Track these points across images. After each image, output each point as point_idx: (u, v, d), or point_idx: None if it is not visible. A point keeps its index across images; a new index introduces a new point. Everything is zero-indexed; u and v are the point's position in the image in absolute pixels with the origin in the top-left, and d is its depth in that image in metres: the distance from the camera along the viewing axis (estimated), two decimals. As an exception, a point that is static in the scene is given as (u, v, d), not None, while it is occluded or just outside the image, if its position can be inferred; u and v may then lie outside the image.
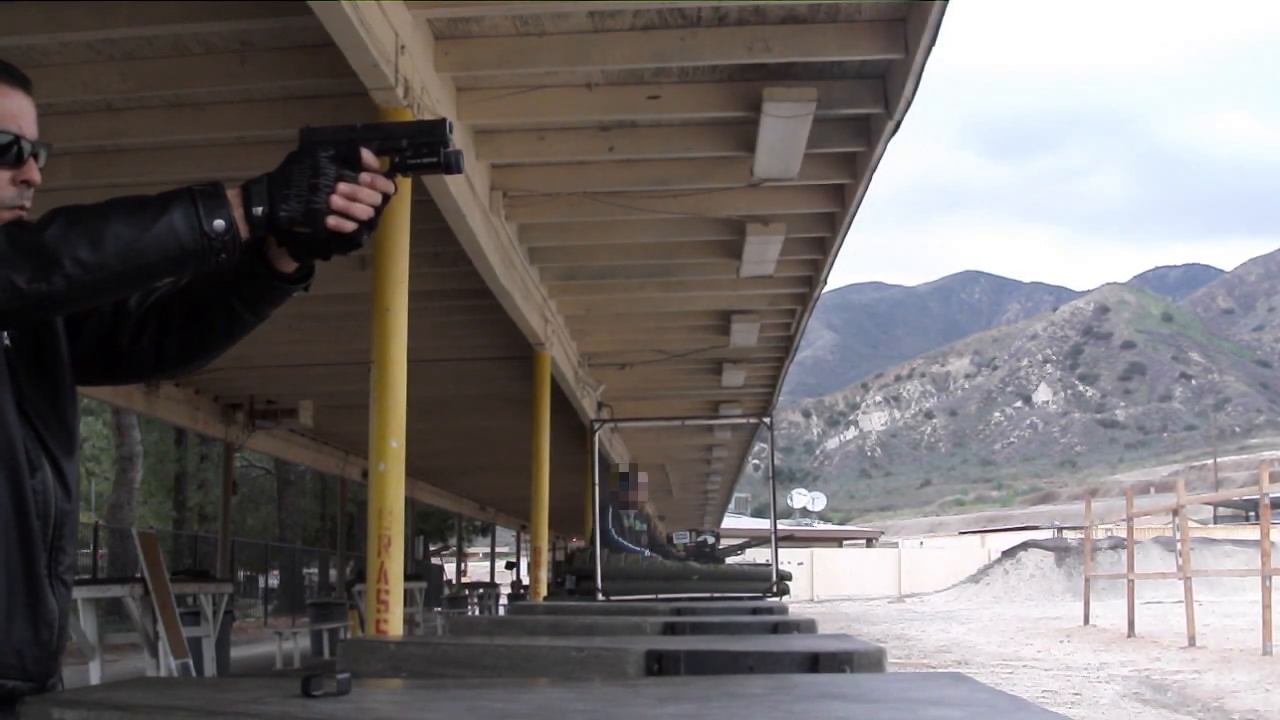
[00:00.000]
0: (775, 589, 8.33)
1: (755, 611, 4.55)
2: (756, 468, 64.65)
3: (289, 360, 11.25)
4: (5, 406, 1.61)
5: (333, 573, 27.35)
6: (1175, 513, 18.05)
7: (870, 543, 66.70)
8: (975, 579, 39.76)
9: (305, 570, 35.41)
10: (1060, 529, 53.47)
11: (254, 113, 5.83)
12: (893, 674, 2.29)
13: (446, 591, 24.55)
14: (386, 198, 1.63)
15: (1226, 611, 22.02)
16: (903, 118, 5.84)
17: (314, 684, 1.52)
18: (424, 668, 2.61)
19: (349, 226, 1.60)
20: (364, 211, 1.60)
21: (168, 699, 1.64)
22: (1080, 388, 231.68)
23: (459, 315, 9.54)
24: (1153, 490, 61.17)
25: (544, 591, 9.33)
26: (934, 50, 5.19)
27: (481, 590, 25.67)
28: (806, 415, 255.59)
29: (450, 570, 33.05)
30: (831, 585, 45.11)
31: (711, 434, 17.13)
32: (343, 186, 1.58)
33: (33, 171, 1.67)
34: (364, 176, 1.60)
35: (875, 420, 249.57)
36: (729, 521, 44.63)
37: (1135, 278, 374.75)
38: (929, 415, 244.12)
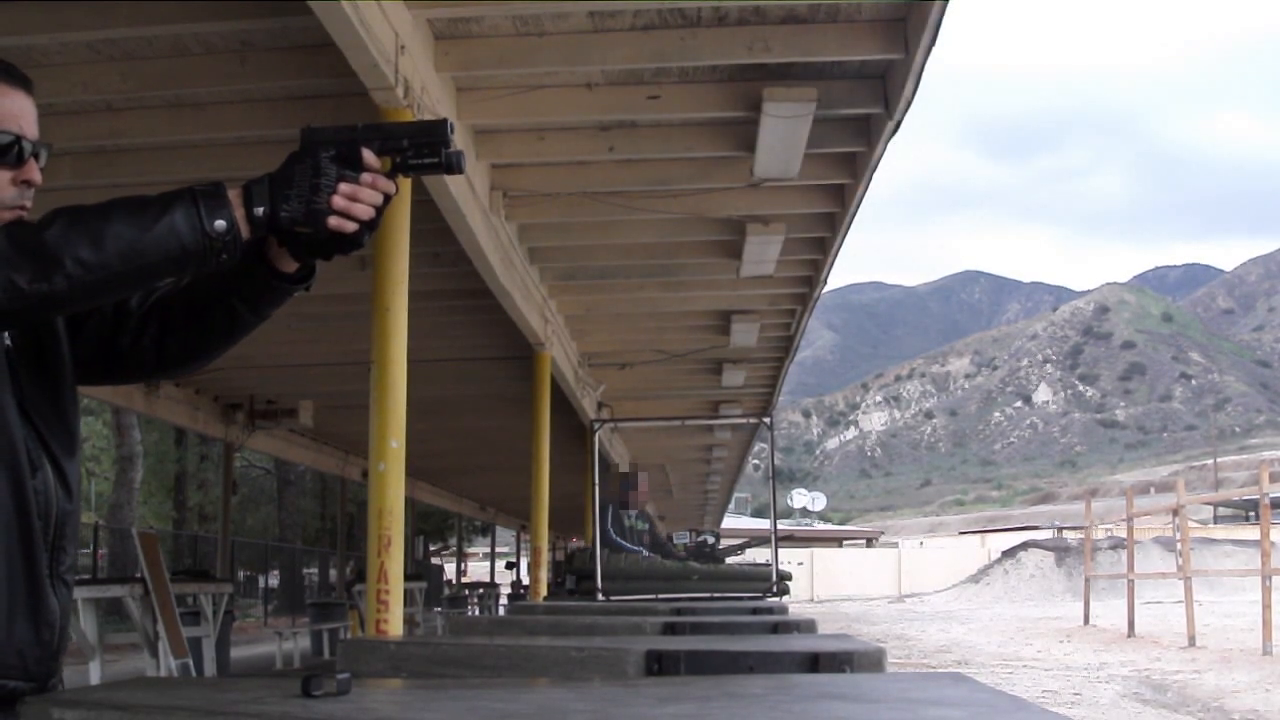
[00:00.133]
0: (775, 589, 8.34)
1: (755, 611, 4.56)
2: (756, 468, 64.66)
3: (289, 360, 11.25)
4: (6, 406, 1.61)
5: (333, 573, 27.35)
6: (1175, 513, 18.05)
7: (870, 543, 66.70)
8: (975, 579, 39.76)
9: (305, 570, 35.41)
10: (1060, 529, 53.46)
11: (254, 113, 5.83)
12: (893, 674, 2.29)
13: (446, 591, 24.55)
14: (388, 198, 1.63)
15: (1226, 611, 22.02)
16: (903, 118, 5.84)
17: (314, 684, 1.52)
18: (424, 668, 2.61)
19: (350, 227, 1.60)
20: (365, 212, 1.60)
21: (168, 699, 1.64)
22: (1080, 388, 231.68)
23: (459, 315, 9.54)
24: (1153, 490, 61.17)
25: (544, 591, 9.33)
26: (934, 50, 5.19)
27: (481, 590, 25.67)
28: (806, 415, 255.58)
29: (450, 570, 33.05)
30: (831, 585, 45.12)
31: (711, 434, 17.13)
32: (344, 187, 1.58)
33: (33, 172, 1.67)
34: (365, 177, 1.60)
35: (875, 420, 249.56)
36: (729, 521, 44.63)
37: (1135, 278, 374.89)
38: (929, 415, 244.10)
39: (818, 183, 7.24)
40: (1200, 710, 10.02)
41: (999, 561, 40.20)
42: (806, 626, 3.46)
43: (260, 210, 1.56)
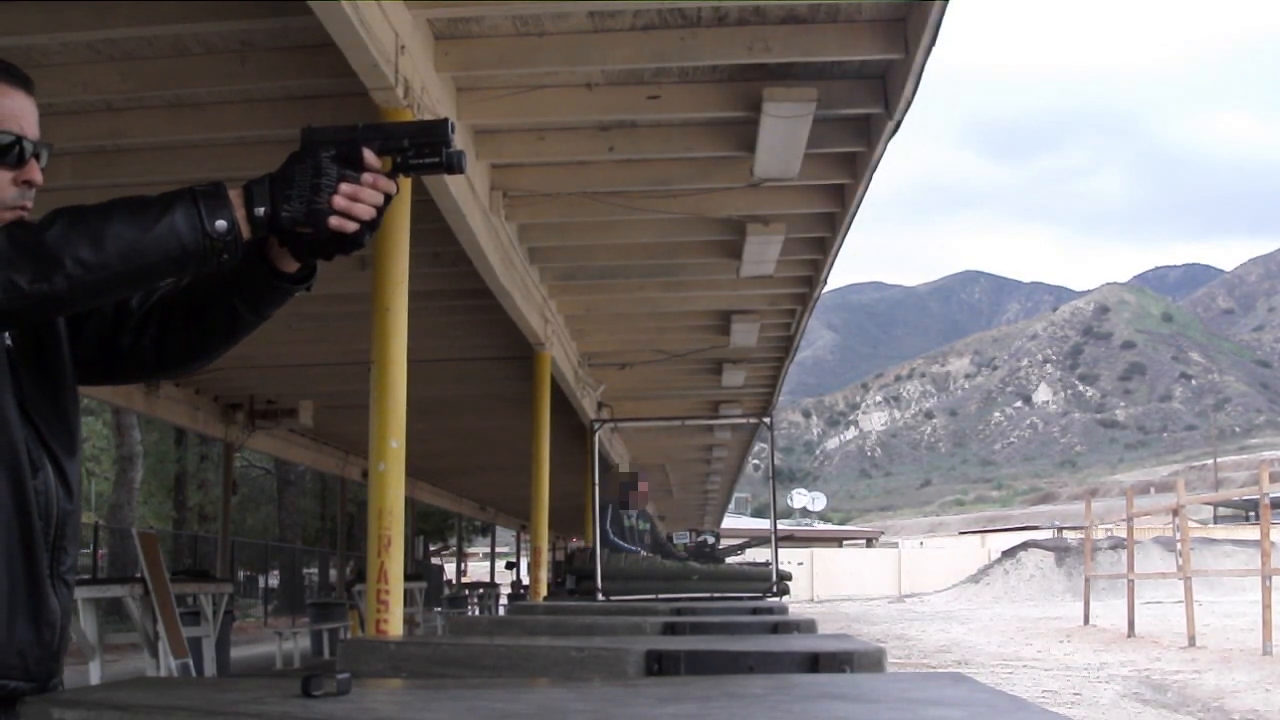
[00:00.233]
0: (775, 589, 8.34)
1: (755, 611, 4.56)
2: (756, 468, 64.65)
3: (289, 360, 11.25)
4: (7, 406, 1.61)
5: (333, 573, 27.34)
6: (1175, 513, 18.05)
7: (870, 543, 66.70)
8: (975, 579, 39.76)
9: (305, 570, 35.40)
10: (1060, 529, 53.47)
11: (254, 113, 5.83)
12: (893, 674, 2.29)
13: (446, 591, 24.54)
14: (388, 198, 1.63)
15: (1226, 611, 22.02)
16: (903, 118, 5.84)
17: (314, 684, 1.52)
18: (424, 668, 2.61)
19: (351, 227, 1.60)
20: (366, 212, 1.60)
21: (168, 699, 1.64)
22: (1080, 388, 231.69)
23: (459, 315, 9.54)
24: (1153, 490, 61.17)
25: (544, 591, 9.33)
26: (934, 50, 5.19)
27: (481, 590, 25.67)
28: (806, 415, 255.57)
29: (450, 570, 33.05)
30: (831, 585, 45.12)
31: (711, 434, 17.13)
32: (345, 187, 1.58)
33: (34, 172, 1.67)
34: (366, 177, 1.60)
35: (875, 420, 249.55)
36: (729, 521, 44.64)
37: (1135, 278, 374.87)
38: (929, 415, 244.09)
39: (818, 183, 7.24)
40: (1200, 710, 10.02)
41: (999, 561, 40.21)
42: (806, 626, 3.46)
43: (261, 210, 1.56)
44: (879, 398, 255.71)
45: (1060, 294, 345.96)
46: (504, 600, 24.91)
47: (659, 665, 2.27)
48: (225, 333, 1.79)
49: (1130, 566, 19.63)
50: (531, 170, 6.97)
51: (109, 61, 5.40)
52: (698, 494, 27.17)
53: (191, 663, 9.39)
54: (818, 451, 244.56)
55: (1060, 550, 38.21)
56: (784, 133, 5.89)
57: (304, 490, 35.09)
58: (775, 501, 9.44)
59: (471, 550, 46.12)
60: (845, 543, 63.09)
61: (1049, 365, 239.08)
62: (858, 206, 7.36)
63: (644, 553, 9.37)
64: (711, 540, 10.81)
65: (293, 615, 24.51)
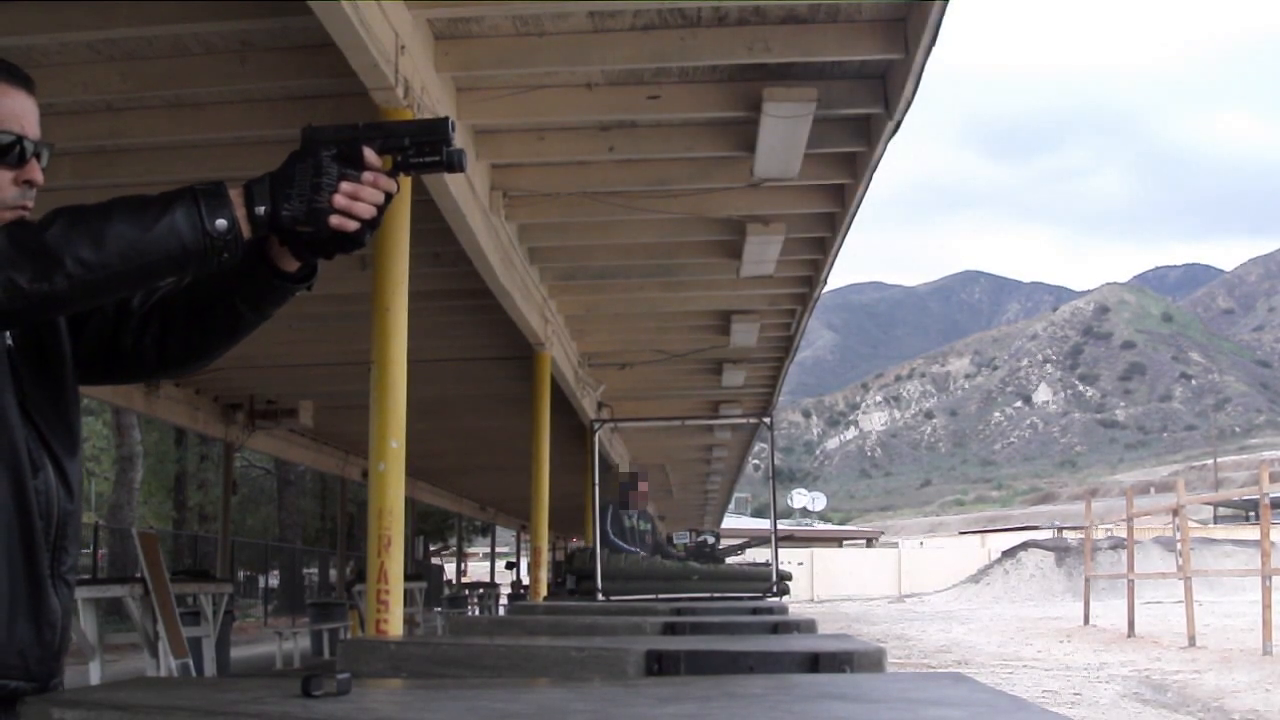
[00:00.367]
0: (775, 589, 8.33)
1: (755, 611, 4.55)
2: (756, 468, 64.65)
3: (289, 360, 11.25)
4: (8, 406, 1.61)
5: (333, 573, 27.34)
6: (1175, 513, 18.05)
7: (870, 543, 66.70)
8: (975, 579, 39.76)
9: (305, 570, 35.40)
10: (1060, 529, 53.45)
11: (254, 113, 5.83)
12: (893, 674, 2.29)
13: (446, 591, 24.54)
14: (389, 197, 1.63)
15: (1226, 611, 22.02)
16: (903, 118, 5.84)
17: (314, 684, 1.52)
18: (424, 668, 2.61)
19: (351, 226, 1.60)
20: (366, 211, 1.60)
21: (168, 699, 1.64)
22: (1080, 388, 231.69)
23: (459, 315, 9.54)
24: (1153, 490, 61.18)
25: (544, 591, 9.33)
26: (934, 50, 5.19)
27: (481, 590, 25.66)
28: (806, 415, 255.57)
29: (450, 570, 33.05)
30: (831, 585, 45.12)
31: (711, 434, 17.13)
32: (345, 185, 1.58)
33: (35, 172, 1.67)
34: (366, 176, 1.60)
35: (875, 420, 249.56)
36: (729, 521, 44.64)
37: (1135, 278, 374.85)
38: (929, 415, 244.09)
39: (818, 183, 7.24)
40: (1200, 710, 10.01)
41: (999, 561, 40.20)
42: (806, 626, 3.46)
43: (261, 209, 1.56)
44: (879, 398, 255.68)
45: (1060, 294, 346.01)
46: (504, 600, 24.91)
47: (659, 665, 2.27)
48: (226, 332, 1.79)
49: (1130, 566, 19.63)
50: (531, 170, 6.97)
51: (109, 61, 5.40)
52: (698, 494, 27.17)
53: (191, 663, 9.39)
54: (818, 451, 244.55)
55: (1060, 550, 38.21)
56: (784, 133, 5.89)
57: (304, 490, 35.10)
58: (775, 501, 9.43)
59: (471, 550, 46.12)
60: (845, 543, 63.08)
61: (1049, 365, 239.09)
62: (858, 206, 7.36)
63: (643, 553, 9.36)
64: (711, 540, 10.79)
65: (293, 615, 24.51)
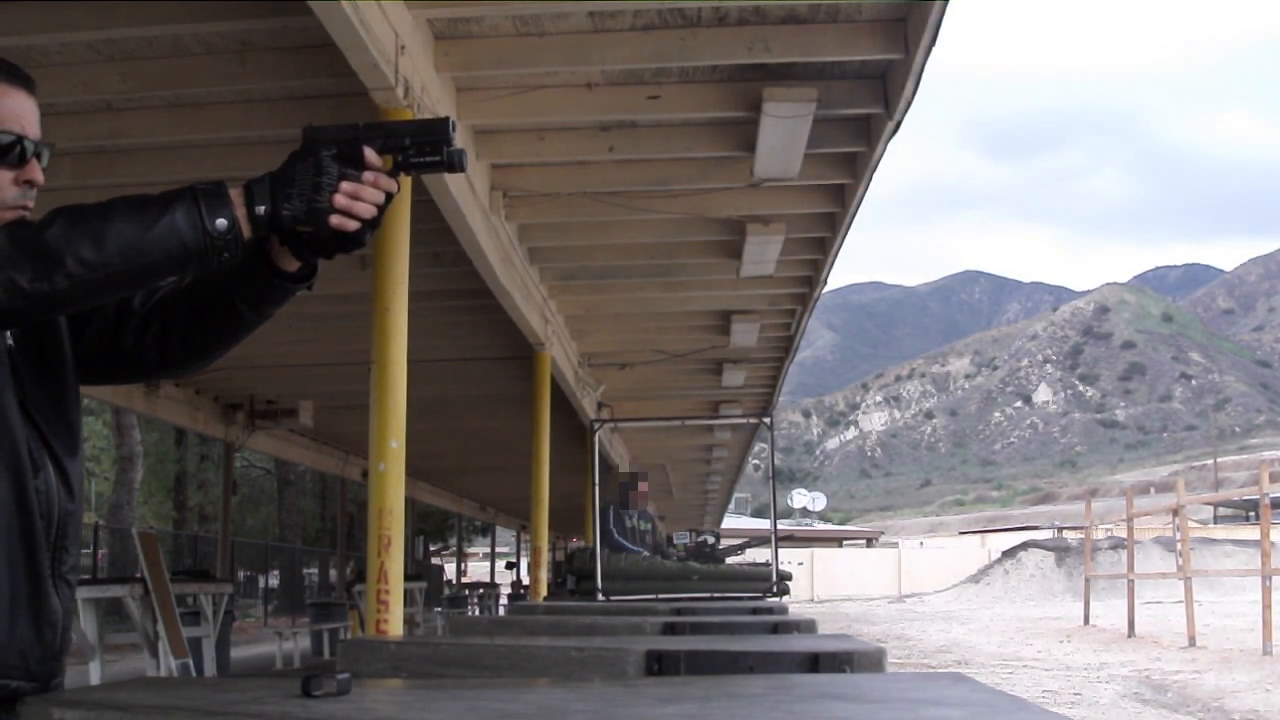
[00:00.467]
0: (775, 589, 8.33)
1: (755, 611, 4.55)
2: (756, 468, 64.66)
3: (289, 360, 11.25)
4: (8, 406, 1.61)
5: (333, 573, 27.33)
6: (1175, 513, 18.05)
7: (870, 543, 66.70)
8: (975, 579, 39.76)
9: (305, 570, 35.40)
10: (1060, 529, 53.47)
11: (254, 113, 5.83)
12: (893, 674, 2.28)
13: (446, 591, 24.54)
14: (389, 197, 1.63)
15: (1226, 611, 22.03)
16: (903, 118, 5.84)
17: (314, 684, 1.52)
18: (424, 668, 2.61)
19: (352, 225, 1.60)
20: (367, 210, 1.60)
21: (168, 699, 1.64)
22: (1080, 388, 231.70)
23: (459, 315, 9.54)
24: (1153, 490, 61.18)
25: (544, 591, 9.33)
26: (934, 50, 5.19)
27: (481, 590, 25.66)
28: (806, 415, 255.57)
29: (450, 570, 33.04)
30: (831, 585, 45.12)
31: (711, 434, 17.13)
32: (346, 185, 1.58)
33: (35, 172, 1.67)
34: (367, 175, 1.60)
35: (875, 420, 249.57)
36: (729, 521, 44.64)
37: (1135, 278, 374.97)
38: (929, 415, 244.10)
39: (818, 183, 7.24)
40: (1200, 710, 10.01)
41: (999, 561, 40.20)
42: (806, 626, 3.46)
43: (262, 209, 1.56)
44: (879, 398, 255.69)
45: (1060, 294, 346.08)
46: (504, 600, 24.91)
47: (659, 665, 2.26)
48: (227, 332, 1.79)
49: (1130, 566, 19.63)
50: (531, 170, 6.97)
51: (109, 61, 5.40)
52: (698, 494, 27.17)
53: (191, 663, 9.39)
54: (818, 451, 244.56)
55: (1060, 550, 38.21)
56: (784, 133, 5.89)
57: (304, 490, 35.10)
58: (775, 501, 9.42)
59: (471, 550, 46.12)
60: (845, 543, 63.09)
61: (1049, 365, 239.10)
62: (858, 206, 7.36)
63: (646, 553, 9.36)
64: (711, 540, 10.78)
65: (293, 615, 24.50)
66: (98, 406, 23.74)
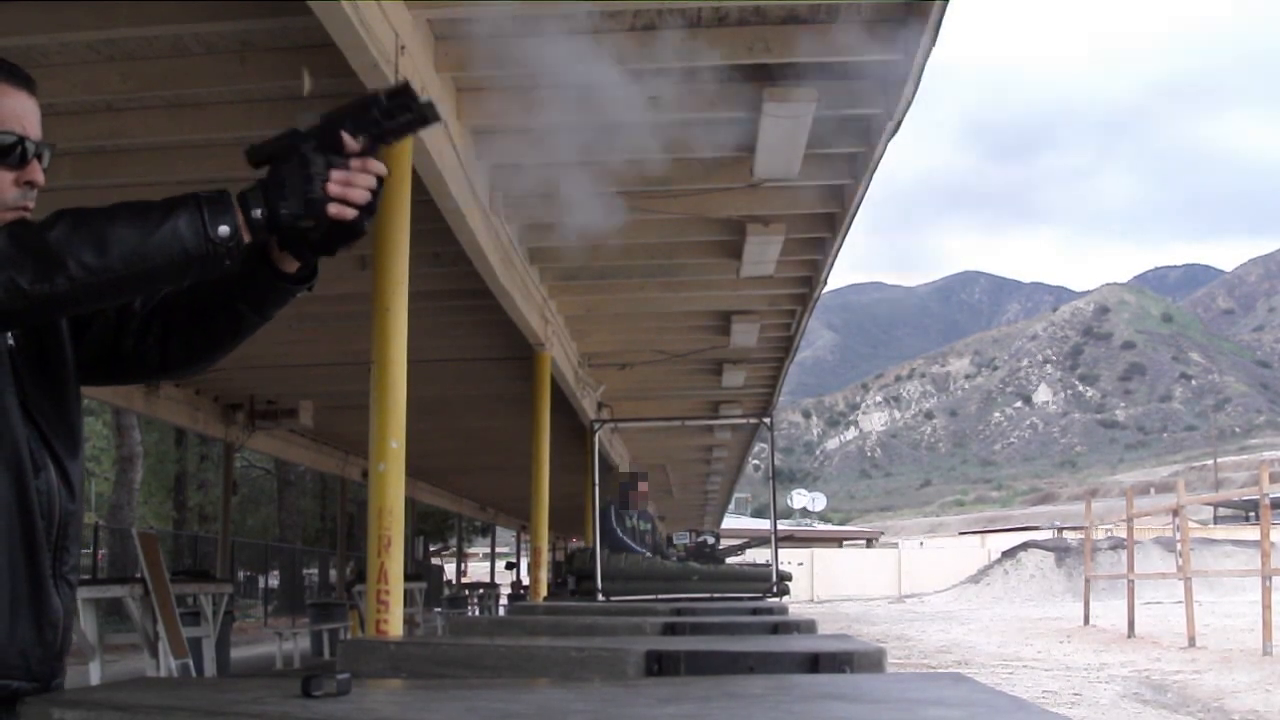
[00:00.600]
0: (775, 589, 8.33)
1: (755, 612, 4.55)
2: (756, 468, 64.65)
3: (289, 360, 11.25)
4: (9, 407, 1.61)
5: (333, 573, 27.33)
6: (1175, 513, 18.05)
7: (870, 543, 66.70)
8: (975, 579, 39.76)
9: (305, 570, 35.39)
10: (1060, 529, 53.50)
11: (254, 113, 5.82)
12: (893, 674, 2.29)
13: (446, 592, 24.55)
14: (381, 181, 1.64)
15: (1226, 612, 22.03)
16: (903, 118, 5.83)
17: (314, 684, 1.52)
18: (424, 668, 2.61)
19: (350, 213, 1.61)
20: (361, 195, 1.61)
21: (168, 699, 1.64)
22: (1080, 388, 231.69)
23: (459, 315, 9.54)
24: (1153, 490, 61.19)
25: (544, 592, 9.33)
26: (934, 50, 5.19)
27: (481, 590, 25.66)
28: (806, 415, 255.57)
29: (450, 570, 33.04)
30: (831, 585, 45.12)
31: (711, 434, 17.12)
32: (335, 174, 1.59)
33: (36, 172, 1.67)
34: (355, 162, 1.61)
35: (875, 420, 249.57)
36: (729, 521, 44.63)
37: (1135, 278, 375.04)
38: (929, 415, 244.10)
39: (818, 183, 7.23)
40: (1200, 710, 10.02)
41: (999, 562, 40.21)
42: (806, 627, 3.46)
43: (258, 212, 1.57)
44: (879, 398, 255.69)
45: (1060, 294, 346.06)
46: (504, 600, 24.90)
47: (659, 665, 2.27)
48: (228, 334, 1.80)
49: (1130, 567, 19.63)
50: (531, 170, 6.95)
51: (109, 61, 5.39)
52: (698, 494, 27.17)
53: (191, 663, 9.39)
54: (818, 452, 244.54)
55: (1060, 550, 38.22)
56: (784, 133, 5.89)
57: (304, 490, 35.09)
58: (775, 502, 9.42)
59: (471, 550, 46.11)
60: (845, 543, 63.09)
61: (1049, 365, 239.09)
62: (858, 206, 7.36)
63: (646, 554, 9.35)
64: (711, 541, 10.78)
65: (293, 615, 24.50)
66: (98, 406, 23.73)
